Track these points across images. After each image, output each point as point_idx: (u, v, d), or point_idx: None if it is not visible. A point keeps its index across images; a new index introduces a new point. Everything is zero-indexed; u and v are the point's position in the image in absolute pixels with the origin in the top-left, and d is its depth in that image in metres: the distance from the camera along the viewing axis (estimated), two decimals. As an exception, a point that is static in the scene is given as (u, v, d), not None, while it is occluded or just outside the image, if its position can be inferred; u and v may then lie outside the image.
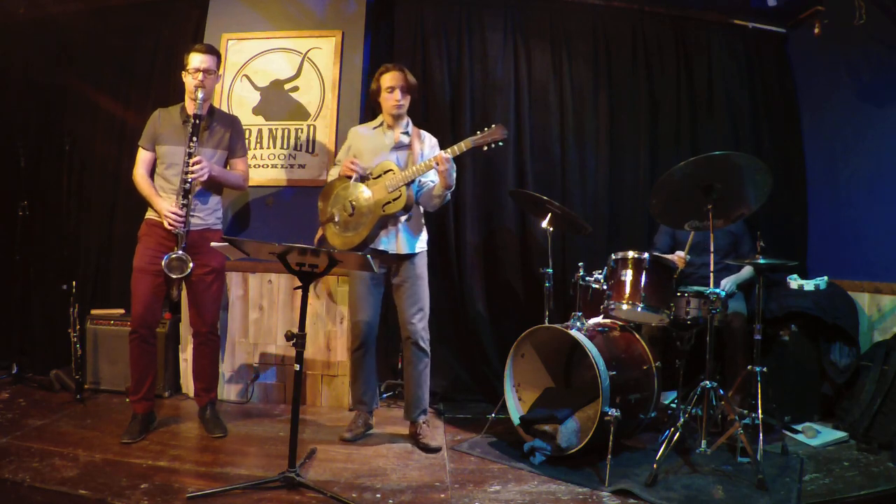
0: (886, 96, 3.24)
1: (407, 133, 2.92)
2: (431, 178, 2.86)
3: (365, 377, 2.93)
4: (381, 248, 2.81)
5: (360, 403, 2.95)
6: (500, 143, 2.71)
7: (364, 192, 2.79)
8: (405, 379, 2.94)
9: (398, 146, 2.89)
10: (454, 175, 2.73)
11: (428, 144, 2.95)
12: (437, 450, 2.76)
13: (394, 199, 2.73)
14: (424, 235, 2.95)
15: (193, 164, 2.69)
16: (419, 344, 2.86)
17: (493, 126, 2.70)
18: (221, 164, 2.91)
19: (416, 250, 2.87)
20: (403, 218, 2.83)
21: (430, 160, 2.69)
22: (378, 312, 2.92)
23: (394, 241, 2.81)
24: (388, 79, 2.85)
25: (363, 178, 2.81)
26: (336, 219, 2.82)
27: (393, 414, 3.20)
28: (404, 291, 2.85)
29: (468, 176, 3.69)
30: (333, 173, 2.96)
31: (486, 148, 2.72)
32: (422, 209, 2.93)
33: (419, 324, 2.85)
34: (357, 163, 2.80)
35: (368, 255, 2.28)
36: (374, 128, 2.95)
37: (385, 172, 2.77)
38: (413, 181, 2.76)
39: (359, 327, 2.87)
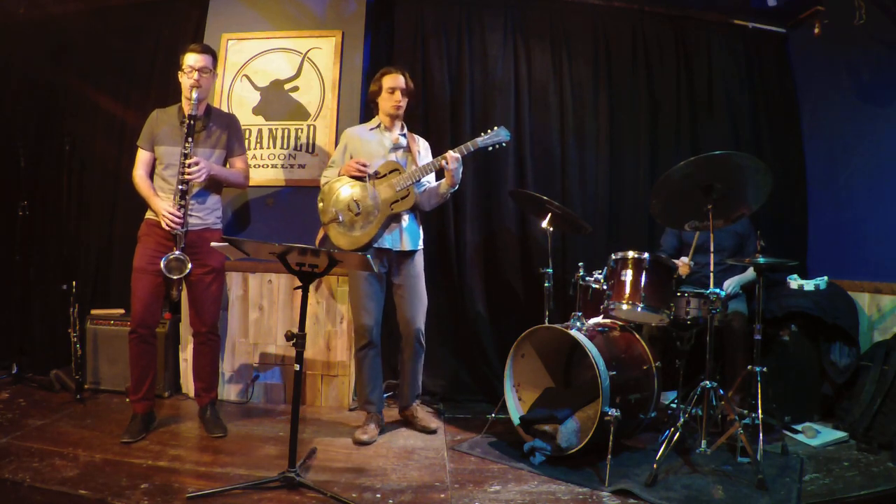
0: (886, 96, 3.24)
1: (404, 135, 3.00)
2: (428, 179, 2.95)
3: (372, 376, 2.95)
4: (386, 245, 2.87)
5: (369, 404, 2.96)
6: (503, 144, 2.86)
7: (371, 192, 2.84)
8: (404, 372, 3.04)
9: (396, 147, 2.96)
10: (461, 174, 2.84)
11: (423, 146, 3.05)
12: (434, 431, 2.94)
13: (402, 198, 2.82)
14: (421, 233, 3.04)
15: (190, 166, 2.68)
16: (420, 340, 2.97)
17: (496, 128, 2.85)
18: (220, 164, 2.91)
19: (416, 248, 2.95)
20: (407, 216, 2.90)
21: (439, 159, 2.79)
22: (381, 310, 2.96)
23: (398, 239, 2.88)
24: (390, 80, 2.91)
25: (370, 178, 2.86)
26: (341, 218, 2.85)
27: (393, 413, 3.20)
28: (406, 290, 2.92)
29: (468, 176, 3.68)
30: (329, 174, 2.98)
31: (490, 148, 2.85)
32: (420, 210, 3.00)
33: (421, 321, 2.95)
34: (363, 162, 2.84)
35: (368, 255, 2.28)
36: (371, 129, 3.00)
37: (391, 171, 2.85)
38: (419, 180, 2.84)
39: (364, 326, 2.90)
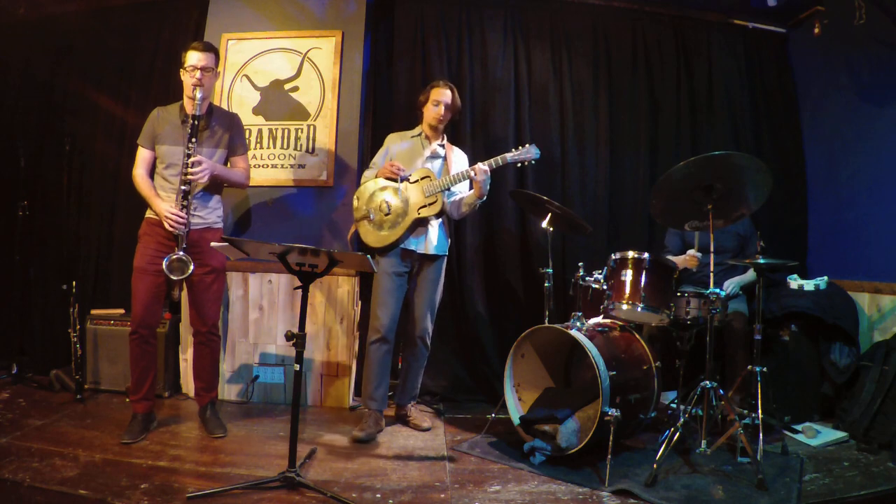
0: (886, 96, 3.24)
1: (443, 146, 3.12)
2: (459, 189, 3.05)
3: (379, 372, 2.99)
4: (411, 247, 2.98)
5: (371, 400, 2.98)
6: (533, 162, 2.97)
7: (401, 195, 2.95)
8: (404, 370, 3.12)
9: (434, 156, 3.09)
10: (488, 186, 2.92)
11: (459, 158, 3.14)
12: (427, 429, 3.01)
13: (430, 204, 2.93)
14: (448, 242, 3.13)
15: (193, 165, 2.67)
16: (426, 341, 3.05)
17: (528, 145, 2.97)
18: (222, 163, 2.90)
19: (440, 253, 3.04)
20: (435, 222, 3.02)
21: (468, 170, 2.89)
22: (399, 309, 3.02)
23: (423, 243, 2.99)
24: (437, 93, 3.03)
25: (403, 181, 2.96)
26: (372, 217, 2.97)
27: (393, 413, 3.20)
28: (423, 292, 3.02)
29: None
30: (368, 174, 3.08)
31: (519, 165, 2.99)
32: (448, 218, 3.13)
33: (429, 324, 3.04)
34: (398, 166, 2.94)
35: (368, 256, 2.29)
36: (413, 136, 3.12)
37: (423, 178, 2.96)
38: (449, 189, 2.94)
39: (379, 321, 2.96)
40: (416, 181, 2.96)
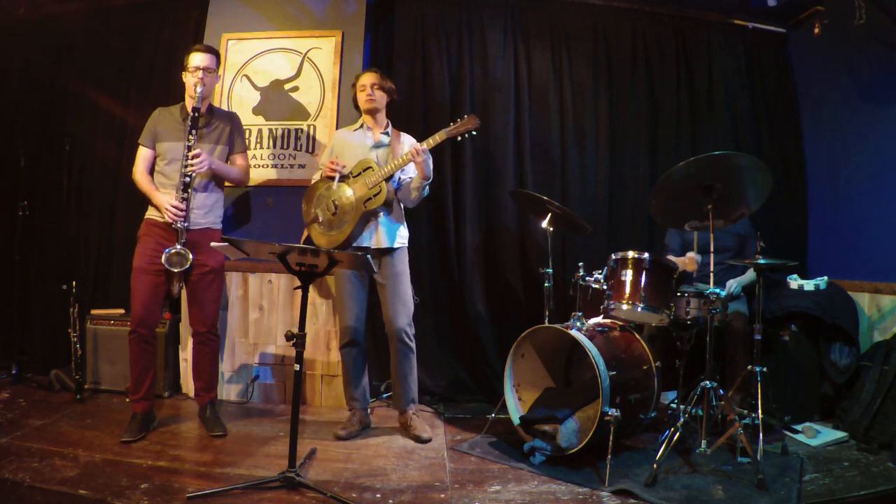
0: (886, 96, 3.23)
1: (387, 133, 3.01)
2: (410, 175, 2.95)
3: (354, 374, 2.97)
4: (364, 244, 2.89)
5: (353, 400, 2.99)
6: (474, 133, 2.80)
7: (346, 191, 2.86)
8: (392, 373, 3.00)
9: (378, 145, 2.98)
10: (430, 166, 2.82)
11: (407, 143, 3.01)
12: (428, 440, 2.85)
13: (374, 195, 2.80)
14: (404, 231, 3.00)
15: (193, 158, 2.69)
16: (403, 339, 2.92)
17: (466, 116, 2.80)
18: (222, 160, 2.92)
19: (396, 245, 2.92)
20: (382, 213, 2.89)
21: (407, 153, 2.78)
22: (364, 309, 2.97)
23: (374, 236, 2.89)
24: (361, 78, 2.98)
25: (344, 178, 2.88)
26: (320, 218, 2.90)
27: (393, 413, 3.19)
28: (387, 289, 2.92)
29: (468, 176, 3.69)
30: (316, 176, 3.02)
31: (459, 138, 2.81)
32: (402, 206, 3.00)
33: (403, 320, 2.91)
34: (337, 162, 2.86)
35: (368, 256, 2.29)
36: (355, 129, 3.04)
37: (365, 170, 2.85)
38: (392, 176, 2.83)
39: (345, 324, 2.93)
40: (359, 174, 2.85)
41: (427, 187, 2.89)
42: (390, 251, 2.91)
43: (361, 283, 2.95)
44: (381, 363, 3.49)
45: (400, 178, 2.95)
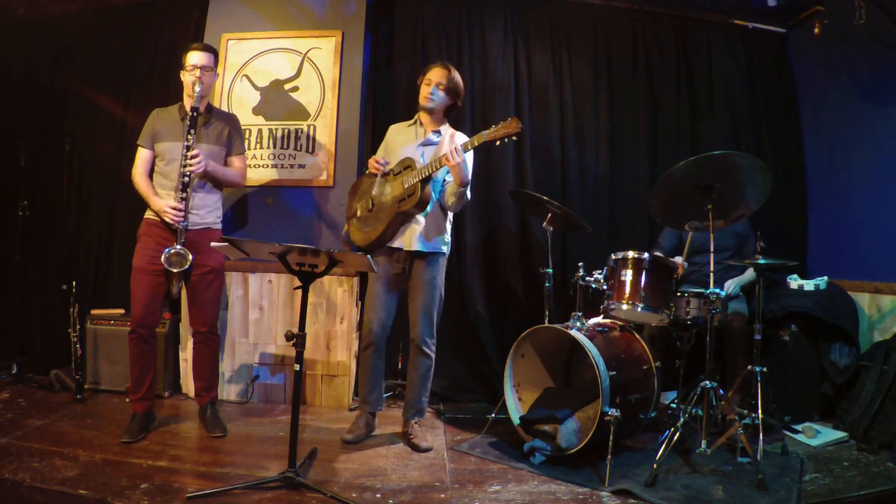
0: (886, 96, 3.23)
1: (438, 132, 2.86)
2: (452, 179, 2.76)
3: (371, 377, 2.89)
4: (396, 245, 2.79)
5: (365, 403, 2.92)
6: (514, 138, 2.53)
7: (386, 189, 2.80)
8: (408, 381, 2.92)
9: (425, 143, 2.84)
10: (468, 172, 2.66)
11: (454, 142, 2.77)
12: (427, 450, 2.74)
13: (408, 196, 2.67)
14: (445, 238, 2.86)
15: (191, 157, 2.69)
16: (421, 348, 2.82)
17: (509, 119, 2.52)
18: (220, 161, 2.91)
19: (428, 250, 2.78)
20: (421, 216, 2.77)
21: (441, 157, 2.60)
22: (392, 315, 2.87)
23: (408, 239, 2.77)
24: (429, 71, 2.84)
25: (386, 174, 2.80)
26: (358, 214, 2.88)
27: (393, 413, 3.20)
28: (415, 294, 2.81)
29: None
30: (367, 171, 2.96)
31: (498, 143, 2.54)
32: (444, 211, 2.85)
33: (424, 329, 2.80)
34: (381, 160, 2.80)
35: (369, 257, 2.28)
36: (409, 125, 2.94)
37: (405, 168, 2.73)
38: (429, 178, 2.66)
39: (368, 326, 2.85)
40: (399, 172, 2.73)
41: (467, 193, 2.72)
42: (422, 255, 2.78)
43: (391, 286, 2.84)
44: (386, 362, 3.47)
45: (445, 182, 2.78)
